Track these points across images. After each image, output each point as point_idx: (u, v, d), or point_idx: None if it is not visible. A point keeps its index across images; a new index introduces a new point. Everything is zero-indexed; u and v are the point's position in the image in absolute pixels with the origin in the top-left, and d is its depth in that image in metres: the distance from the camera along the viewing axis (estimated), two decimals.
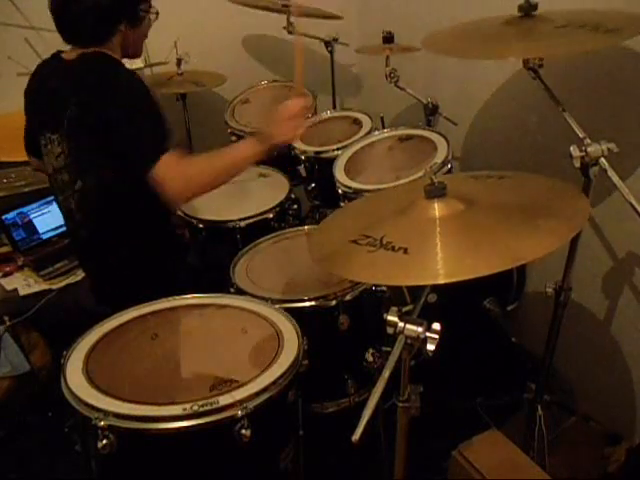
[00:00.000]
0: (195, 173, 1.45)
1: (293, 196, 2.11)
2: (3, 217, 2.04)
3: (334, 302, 1.51)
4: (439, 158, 1.81)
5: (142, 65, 2.25)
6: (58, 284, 1.97)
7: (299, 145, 2.23)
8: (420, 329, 0.92)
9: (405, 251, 0.98)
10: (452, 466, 1.45)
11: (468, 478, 1.39)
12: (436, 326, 0.93)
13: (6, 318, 1.92)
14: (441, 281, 0.90)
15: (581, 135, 1.24)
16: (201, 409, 1.08)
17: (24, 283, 1.97)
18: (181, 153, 1.44)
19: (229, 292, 1.59)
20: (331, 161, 2.02)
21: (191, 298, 1.47)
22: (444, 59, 2.29)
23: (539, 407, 1.58)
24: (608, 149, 1.20)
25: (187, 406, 1.08)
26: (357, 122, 2.29)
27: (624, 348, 1.78)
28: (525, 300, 2.07)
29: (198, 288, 1.50)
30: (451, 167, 1.81)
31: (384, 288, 1.60)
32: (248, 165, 1.56)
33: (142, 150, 1.44)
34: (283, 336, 1.30)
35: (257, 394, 1.13)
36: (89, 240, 1.65)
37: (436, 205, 1.07)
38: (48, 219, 2.13)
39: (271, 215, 1.99)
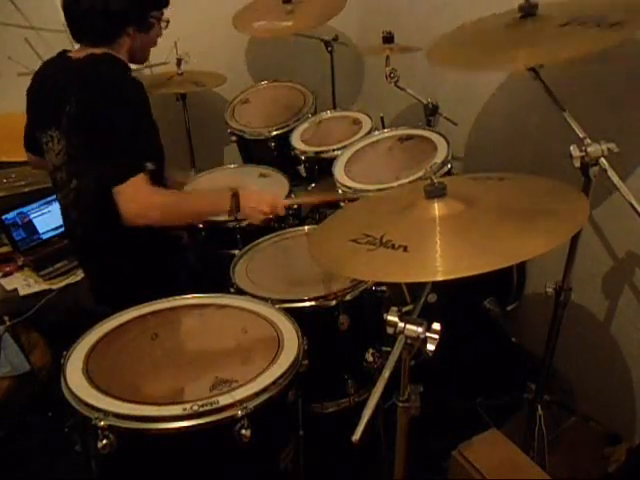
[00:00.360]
0: (155, 205, 1.47)
1: (293, 196, 2.11)
2: (3, 217, 2.04)
3: (334, 302, 1.51)
4: (439, 158, 1.81)
5: (142, 65, 2.24)
6: (58, 284, 1.97)
7: (299, 145, 2.23)
8: (420, 329, 0.93)
9: (405, 249, 0.98)
10: (452, 466, 1.45)
11: (468, 478, 1.39)
12: (436, 326, 0.94)
13: (6, 318, 1.93)
14: (440, 278, 0.90)
15: (581, 135, 1.24)
16: (201, 409, 1.08)
17: (24, 283, 1.98)
18: (154, 178, 1.47)
19: (229, 292, 1.59)
20: (331, 161, 2.02)
21: (191, 298, 1.47)
22: None
23: (539, 407, 1.58)
24: (608, 149, 1.20)
25: (187, 406, 1.08)
26: (357, 122, 2.28)
27: (624, 348, 1.78)
28: (525, 300, 2.07)
29: (198, 288, 1.50)
30: (451, 167, 1.81)
31: (384, 288, 1.60)
32: (210, 216, 1.78)
33: (117, 164, 1.45)
34: (283, 336, 1.30)
35: (257, 394, 1.13)
36: (85, 239, 1.65)
37: (436, 205, 1.07)
38: (48, 219, 2.13)
39: (271, 215, 1.98)
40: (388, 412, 1.11)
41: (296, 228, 1.91)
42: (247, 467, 1.19)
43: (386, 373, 0.91)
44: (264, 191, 1.92)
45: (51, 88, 1.56)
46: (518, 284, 2.01)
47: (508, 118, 2.09)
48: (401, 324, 0.93)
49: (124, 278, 1.65)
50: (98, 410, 1.08)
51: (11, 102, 1.72)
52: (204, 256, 1.91)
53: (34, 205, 2.10)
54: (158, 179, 1.53)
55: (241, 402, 1.10)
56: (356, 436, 0.86)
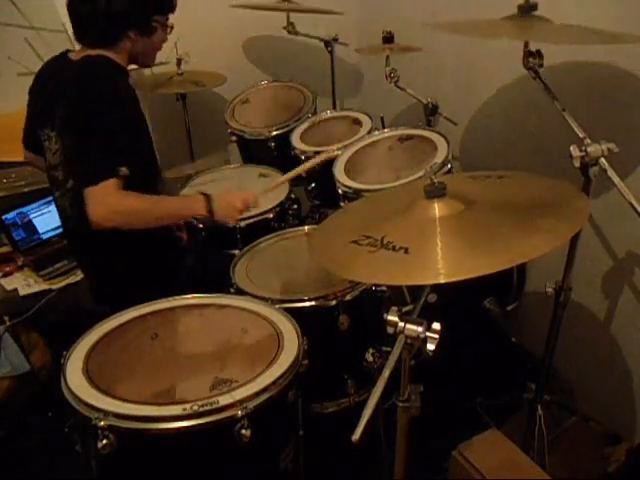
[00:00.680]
0: (122, 210, 1.45)
1: (293, 196, 2.11)
2: (3, 217, 2.04)
3: (334, 302, 1.51)
4: (439, 158, 1.81)
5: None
6: (58, 284, 1.98)
7: (299, 145, 2.23)
8: (420, 329, 0.92)
9: (406, 251, 0.98)
10: (452, 466, 1.45)
11: (468, 478, 1.39)
12: (436, 326, 0.93)
13: (6, 318, 1.93)
14: (442, 280, 0.90)
15: (581, 135, 1.24)
16: (201, 409, 1.08)
17: (24, 283, 1.98)
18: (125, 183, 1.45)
19: (229, 292, 1.59)
20: (331, 161, 2.02)
21: (191, 298, 1.47)
22: (444, 59, 2.29)
23: (539, 407, 1.58)
24: (608, 149, 1.20)
25: (187, 406, 1.08)
26: (357, 122, 2.28)
27: (624, 348, 1.78)
28: (525, 300, 2.07)
29: (198, 288, 1.50)
30: (451, 167, 1.81)
31: (384, 288, 1.60)
32: (182, 220, 1.79)
33: (90, 166, 1.44)
34: (283, 336, 1.30)
35: (257, 394, 1.13)
36: (83, 239, 1.65)
37: (436, 205, 1.07)
38: (48, 219, 2.13)
39: (271, 215, 1.99)
40: (388, 412, 1.10)
41: (296, 228, 1.91)
42: (247, 467, 1.19)
43: (386, 373, 0.91)
44: (233, 189, 1.91)
45: (49, 87, 1.57)
46: (518, 284, 2.01)
47: (508, 118, 2.09)
48: (401, 324, 0.93)
49: (123, 278, 1.65)
50: (98, 410, 1.08)
51: (11, 102, 1.72)
52: (204, 256, 1.91)
53: (34, 205, 2.11)
54: (140, 184, 1.50)
55: (241, 402, 1.10)
56: (356, 436, 0.86)
